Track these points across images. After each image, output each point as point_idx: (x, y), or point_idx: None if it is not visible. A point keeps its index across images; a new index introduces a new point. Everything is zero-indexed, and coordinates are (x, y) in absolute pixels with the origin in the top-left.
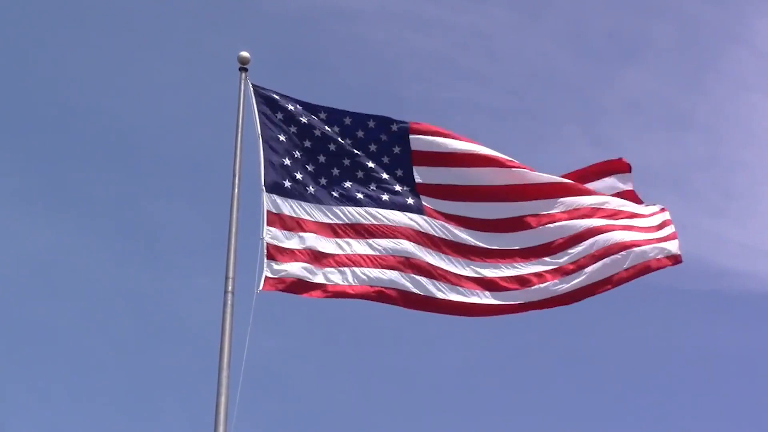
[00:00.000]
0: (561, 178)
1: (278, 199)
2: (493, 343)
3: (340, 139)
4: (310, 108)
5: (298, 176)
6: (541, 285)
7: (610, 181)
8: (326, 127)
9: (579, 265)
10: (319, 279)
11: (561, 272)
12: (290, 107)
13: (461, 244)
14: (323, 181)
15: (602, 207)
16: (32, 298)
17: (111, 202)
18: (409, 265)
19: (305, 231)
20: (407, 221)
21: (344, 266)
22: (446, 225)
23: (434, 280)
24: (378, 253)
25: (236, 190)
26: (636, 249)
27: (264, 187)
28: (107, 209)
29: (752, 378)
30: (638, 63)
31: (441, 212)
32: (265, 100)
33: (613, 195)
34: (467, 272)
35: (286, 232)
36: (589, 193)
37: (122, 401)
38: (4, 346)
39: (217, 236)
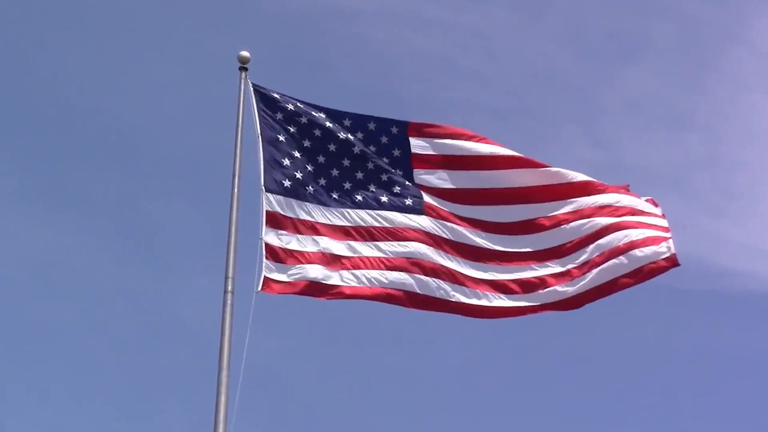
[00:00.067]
0: (571, 175)
1: (278, 199)
2: (493, 343)
3: (340, 139)
4: (310, 108)
5: (298, 176)
6: (552, 288)
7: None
8: (326, 128)
9: (589, 267)
10: (333, 281)
11: (570, 275)
12: (290, 107)
13: (463, 245)
14: (323, 181)
15: (615, 205)
16: (32, 298)
17: (111, 202)
18: (416, 266)
19: (305, 232)
20: (408, 222)
21: (353, 269)
22: (448, 225)
23: (441, 281)
24: (383, 255)
25: (236, 190)
26: (645, 249)
27: (263, 187)
28: (107, 209)
29: (752, 378)
30: (638, 63)
31: (441, 213)
32: (265, 99)
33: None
34: (473, 273)
35: (285, 232)
36: (601, 190)
37: (122, 401)
38: (4, 346)
39: (217, 236)
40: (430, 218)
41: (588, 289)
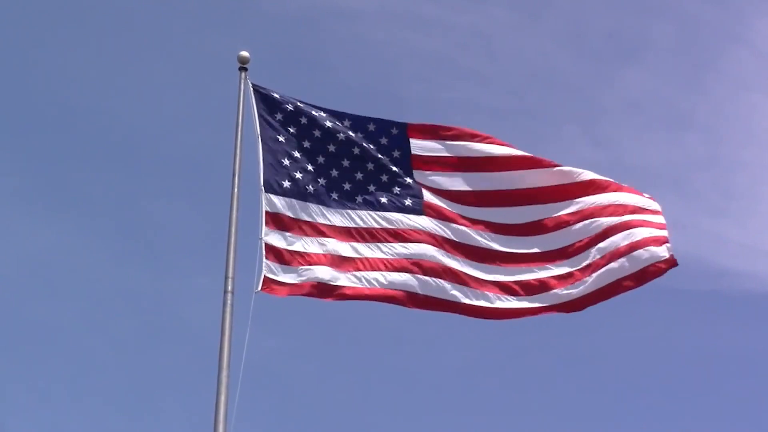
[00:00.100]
0: (578, 174)
1: (277, 200)
2: (493, 343)
3: (339, 140)
4: (309, 109)
5: (298, 176)
6: (557, 290)
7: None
8: (326, 128)
9: (592, 270)
10: (341, 282)
11: (575, 277)
12: (290, 108)
13: (468, 245)
14: (322, 181)
15: (618, 203)
16: (32, 298)
17: (111, 202)
18: (419, 266)
19: (310, 234)
20: (408, 223)
21: (359, 270)
22: (452, 225)
23: (444, 281)
24: (386, 256)
25: (236, 190)
26: (647, 250)
27: (263, 187)
28: (107, 209)
29: (752, 378)
30: (638, 63)
31: (445, 213)
32: (264, 100)
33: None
34: (477, 273)
35: (291, 234)
36: (605, 188)
37: (122, 401)
38: (4, 346)
39: (217, 236)
40: (430, 218)
41: (591, 292)
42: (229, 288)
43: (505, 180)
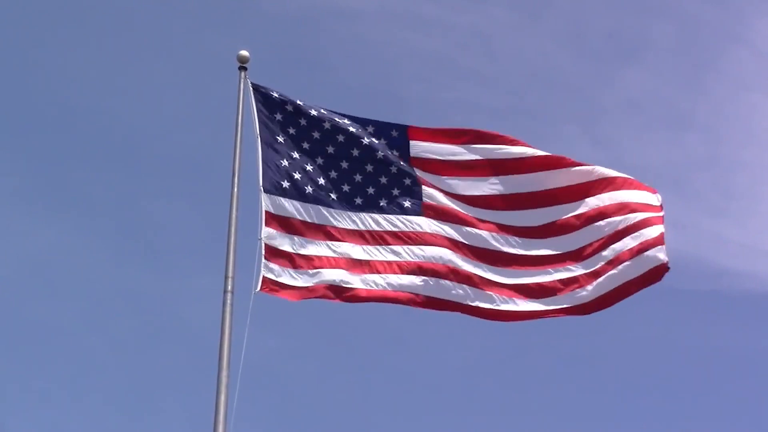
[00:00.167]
0: (588, 171)
1: (276, 200)
2: (493, 343)
3: (339, 142)
4: (309, 110)
5: (297, 177)
6: (569, 293)
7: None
8: (325, 130)
9: (601, 272)
10: (354, 284)
11: (586, 280)
12: (289, 109)
13: (474, 247)
14: (321, 182)
15: (630, 202)
16: (32, 298)
17: (111, 202)
18: (426, 268)
19: (315, 236)
20: (408, 225)
21: (370, 273)
22: (454, 226)
23: (453, 282)
24: (394, 259)
25: (236, 190)
26: (652, 252)
27: (262, 188)
28: (107, 209)
29: (752, 378)
30: (638, 63)
31: (443, 216)
32: (264, 100)
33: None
34: (483, 274)
35: (294, 236)
36: (621, 185)
37: (122, 401)
38: (4, 346)
39: (217, 236)
40: (430, 220)
41: (604, 294)
42: (229, 288)
43: (512, 183)
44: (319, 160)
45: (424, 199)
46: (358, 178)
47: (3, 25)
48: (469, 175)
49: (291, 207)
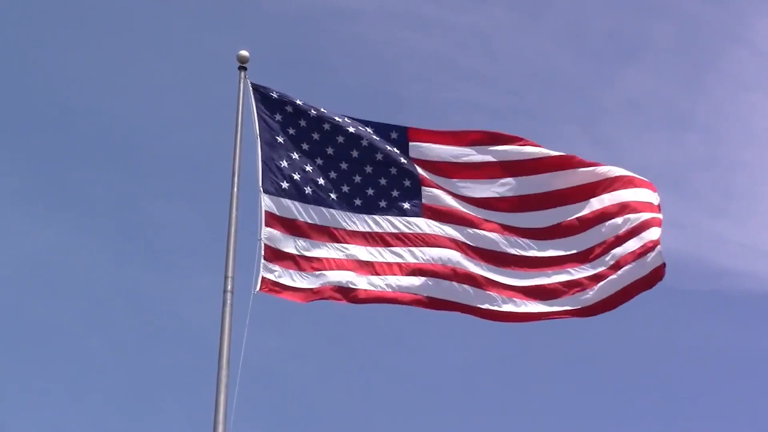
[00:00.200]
0: (586, 172)
1: (276, 201)
2: (493, 343)
3: (338, 143)
4: (309, 111)
5: (296, 178)
6: (573, 295)
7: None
8: (325, 131)
9: (605, 275)
10: (360, 285)
11: (590, 283)
12: (289, 109)
13: (480, 248)
14: (321, 182)
15: (625, 201)
16: (32, 298)
17: (111, 202)
18: (429, 270)
19: (303, 235)
20: (408, 226)
21: (374, 274)
22: (457, 227)
23: (457, 283)
24: (395, 260)
25: (236, 190)
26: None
27: (261, 188)
28: (107, 209)
29: (752, 378)
30: (638, 63)
31: (443, 217)
32: (264, 100)
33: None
34: (489, 275)
35: (297, 238)
36: (627, 184)
37: (122, 401)
38: (4, 346)
39: (217, 236)
40: (430, 220)
41: (603, 298)
42: (229, 288)
43: (519, 184)
44: (319, 161)
45: (424, 200)
46: (357, 179)
47: (3, 25)
48: (474, 176)
49: (293, 208)
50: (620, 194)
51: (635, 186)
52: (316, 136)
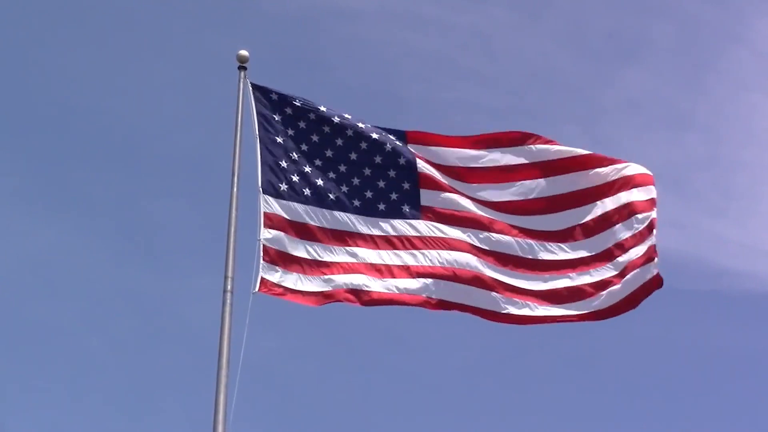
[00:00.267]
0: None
1: (275, 201)
2: (493, 343)
3: (337, 145)
4: (309, 111)
5: (295, 179)
6: (584, 300)
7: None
8: (324, 132)
9: (615, 279)
10: (372, 288)
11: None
12: (288, 111)
13: (477, 247)
14: (320, 183)
15: (631, 201)
16: (32, 298)
17: (111, 202)
18: (420, 270)
19: (314, 239)
20: (407, 227)
21: (380, 276)
22: (454, 228)
23: (465, 285)
24: (386, 262)
25: (235, 190)
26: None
27: (261, 189)
28: (107, 209)
29: (752, 378)
30: (638, 63)
31: (443, 219)
32: (264, 100)
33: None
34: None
35: (293, 237)
36: (641, 182)
37: (122, 401)
38: (4, 346)
39: (217, 236)
40: (429, 222)
41: (612, 304)
42: (229, 288)
43: (525, 186)
44: (318, 162)
45: (423, 203)
46: (356, 181)
47: (3, 25)
48: (474, 178)
49: (293, 209)
50: (626, 195)
51: (639, 184)
52: (315, 138)
